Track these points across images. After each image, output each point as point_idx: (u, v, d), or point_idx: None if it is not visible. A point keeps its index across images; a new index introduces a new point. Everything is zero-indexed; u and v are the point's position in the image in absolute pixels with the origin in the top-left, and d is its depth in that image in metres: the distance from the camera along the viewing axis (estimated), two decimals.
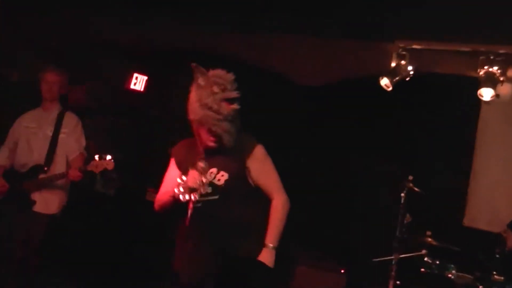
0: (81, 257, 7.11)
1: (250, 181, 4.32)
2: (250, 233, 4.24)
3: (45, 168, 5.91)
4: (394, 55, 6.46)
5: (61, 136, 6.00)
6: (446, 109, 6.74)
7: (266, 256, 4.22)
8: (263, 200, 4.34)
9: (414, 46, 6.43)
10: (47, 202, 5.91)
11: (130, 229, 7.38)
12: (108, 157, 5.69)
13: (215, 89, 4.12)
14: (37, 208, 5.87)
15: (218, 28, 7.34)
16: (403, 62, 6.50)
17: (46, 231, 5.91)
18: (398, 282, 5.66)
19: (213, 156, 4.23)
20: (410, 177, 5.77)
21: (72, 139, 6.04)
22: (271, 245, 4.24)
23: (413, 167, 6.14)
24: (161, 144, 8.21)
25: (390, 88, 6.52)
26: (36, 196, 5.87)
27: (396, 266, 5.67)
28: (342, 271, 6.66)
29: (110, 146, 6.17)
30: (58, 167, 5.94)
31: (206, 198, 4.15)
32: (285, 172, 4.46)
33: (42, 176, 5.91)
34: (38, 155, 5.95)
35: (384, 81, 6.53)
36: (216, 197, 4.19)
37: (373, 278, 6.04)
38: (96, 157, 5.70)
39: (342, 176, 7.29)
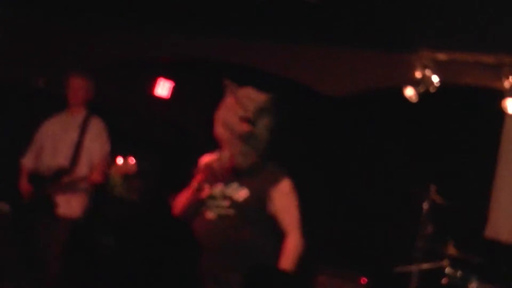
0: (105, 265, 7.14)
1: (269, 212, 4.11)
2: (257, 262, 4.01)
3: (69, 172, 5.95)
4: (419, 66, 6.42)
5: (86, 140, 6.02)
6: (469, 120, 6.73)
7: None
8: (278, 234, 4.12)
9: (439, 57, 6.42)
10: (70, 206, 5.92)
11: (155, 236, 7.41)
12: (132, 160, 5.68)
13: (237, 107, 4.03)
14: (60, 211, 5.89)
15: (244, 38, 7.39)
16: (427, 72, 6.47)
17: (68, 235, 5.93)
18: None
19: (238, 175, 4.12)
20: (433, 187, 5.76)
21: (97, 144, 6.06)
22: None
23: (436, 177, 6.13)
24: (186, 150, 8.34)
25: (415, 99, 6.48)
26: (59, 199, 5.90)
27: (418, 276, 5.66)
28: (362, 281, 6.65)
29: (135, 152, 6.19)
30: (82, 171, 5.95)
31: (223, 212, 4.07)
32: (306, 182, 4.44)
33: (65, 179, 5.97)
34: (62, 159, 5.98)
35: (409, 92, 6.49)
36: (232, 212, 4.05)
37: None
38: (119, 160, 5.74)
39: (365, 185, 7.29)
